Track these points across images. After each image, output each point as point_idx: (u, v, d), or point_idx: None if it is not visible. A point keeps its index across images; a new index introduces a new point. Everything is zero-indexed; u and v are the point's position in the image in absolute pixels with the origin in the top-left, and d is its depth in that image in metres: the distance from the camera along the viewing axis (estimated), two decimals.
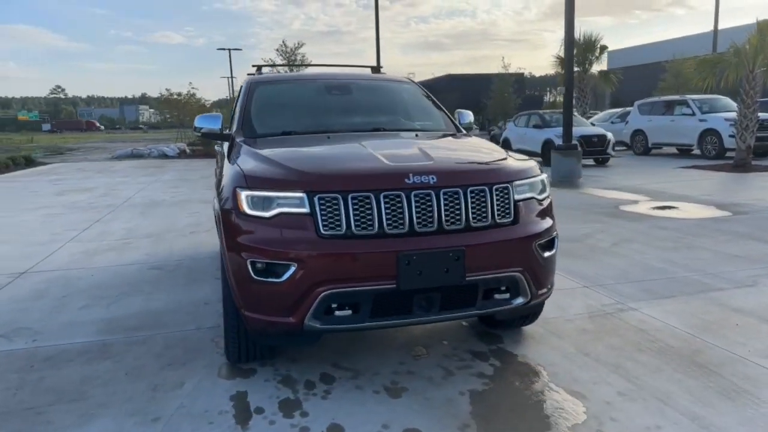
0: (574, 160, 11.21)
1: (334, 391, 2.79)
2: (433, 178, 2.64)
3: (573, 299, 3.98)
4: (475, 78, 42.89)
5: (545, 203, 2.98)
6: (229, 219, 2.72)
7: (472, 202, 2.68)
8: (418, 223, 2.59)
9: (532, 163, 3.11)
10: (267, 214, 2.57)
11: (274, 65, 18.84)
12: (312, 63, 27.32)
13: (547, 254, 2.86)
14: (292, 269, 2.50)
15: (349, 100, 4.29)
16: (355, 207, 2.56)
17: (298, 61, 24.68)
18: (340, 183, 2.61)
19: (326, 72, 5.32)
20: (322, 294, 2.51)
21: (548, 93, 57.88)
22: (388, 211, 2.57)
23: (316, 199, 2.55)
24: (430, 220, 2.61)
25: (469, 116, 4.32)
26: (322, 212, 2.55)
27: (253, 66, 5.10)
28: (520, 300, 2.78)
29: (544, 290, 2.93)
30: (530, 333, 3.43)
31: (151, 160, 20.77)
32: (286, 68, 21.09)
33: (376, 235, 2.57)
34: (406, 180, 2.61)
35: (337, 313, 2.58)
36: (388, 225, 2.58)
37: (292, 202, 2.57)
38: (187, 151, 23.71)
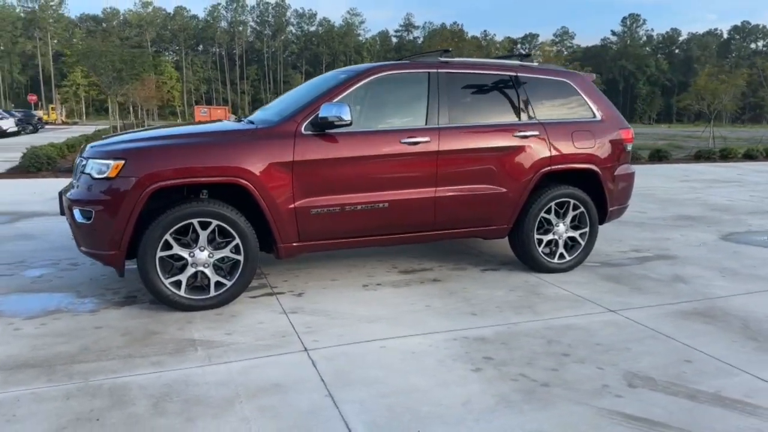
0: None
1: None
2: (85, 152, 3.93)
3: None
4: None
5: (97, 182, 3.63)
6: None
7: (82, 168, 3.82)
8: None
9: (102, 152, 3.74)
10: None
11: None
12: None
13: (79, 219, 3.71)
14: None
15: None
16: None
17: None
18: None
19: None
20: None
21: None
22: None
23: None
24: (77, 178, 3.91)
25: (329, 110, 3.80)
26: None
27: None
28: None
29: None
30: None
31: None
32: None
33: None
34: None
35: None
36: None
37: None
38: None
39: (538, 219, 4.62)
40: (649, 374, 2.96)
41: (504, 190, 4.47)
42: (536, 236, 4.66)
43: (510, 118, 4.57)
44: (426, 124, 4.30)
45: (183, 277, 3.74)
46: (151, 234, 3.61)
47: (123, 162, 3.60)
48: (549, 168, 4.59)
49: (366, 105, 4.38)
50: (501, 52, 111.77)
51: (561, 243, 4.76)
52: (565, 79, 4.85)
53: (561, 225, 4.73)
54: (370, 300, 4.06)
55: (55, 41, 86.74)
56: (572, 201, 4.71)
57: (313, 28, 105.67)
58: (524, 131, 4.52)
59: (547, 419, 2.52)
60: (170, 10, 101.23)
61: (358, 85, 4.17)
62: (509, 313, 3.83)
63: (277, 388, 2.76)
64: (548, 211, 4.67)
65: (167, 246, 3.67)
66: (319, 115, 3.87)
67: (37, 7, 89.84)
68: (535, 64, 4.92)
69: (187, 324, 3.57)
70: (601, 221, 4.99)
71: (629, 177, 5.08)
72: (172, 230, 3.64)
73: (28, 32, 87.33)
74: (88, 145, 4.05)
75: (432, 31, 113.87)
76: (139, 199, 3.57)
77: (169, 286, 3.70)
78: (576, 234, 4.81)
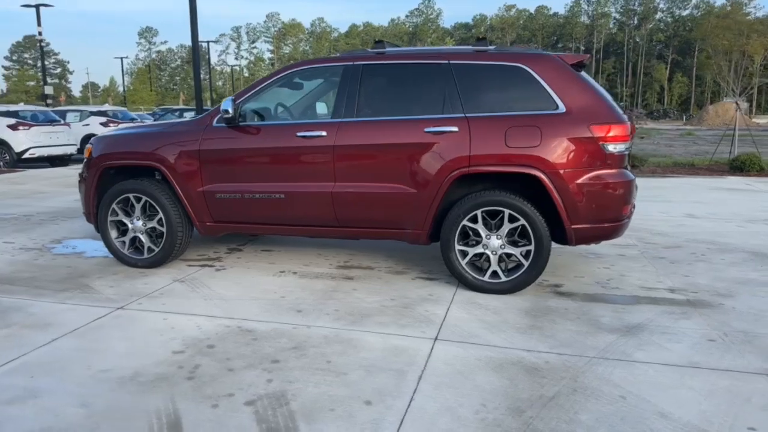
0: None
1: None
2: None
3: None
4: None
5: (84, 161, 4.82)
6: None
7: None
8: None
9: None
10: None
11: None
12: None
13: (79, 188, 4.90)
14: None
15: None
16: None
17: None
18: None
19: None
20: None
21: None
22: None
23: None
24: None
25: (225, 104, 4.24)
26: None
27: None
28: None
29: None
30: None
31: None
32: None
33: None
34: None
35: None
36: None
37: None
38: None
39: (459, 228, 4.00)
40: (297, 402, 2.59)
41: (412, 191, 4.05)
42: (459, 247, 4.04)
43: (430, 111, 4.06)
44: (332, 117, 4.24)
45: (126, 239, 4.74)
46: (104, 202, 4.70)
47: (92, 146, 4.79)
48: (466, 169, 3.91)
49: (284, 100, 4.57)
50: None
51: (494, 259, 4.00)
52: (519, 65, 3.97)
53: (494, 238, 3.97)
54: (253, 284, 4.31)
55: None
56: (507, 211, 3.90)
57: (686, 12, 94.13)
58: (438, 126, 3.97)
59: (126, 401, 2.61)
60: (532, 10, 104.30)
61: (269, 81, 4.41)
62: (329, 318, 3.60)
63: (40, 326, 3.48)
64: (474, 220, 3.99)
65: (115, 213, 4.72)
66: (220, 109, 4.34)
67: (420, 21, 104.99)
68: (491, 47, 4.16)
69: (110, 276, 4.55)
70: (560, 240, 3.96)
71: (612, 186, 3.82)
72: (116, 200, 4.67)
73: (411, 43, 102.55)
74: None
75: None
76: (96, 174, 4.72)
77: (116, 243, 4.75)
78: (516, 251, 3.95)
